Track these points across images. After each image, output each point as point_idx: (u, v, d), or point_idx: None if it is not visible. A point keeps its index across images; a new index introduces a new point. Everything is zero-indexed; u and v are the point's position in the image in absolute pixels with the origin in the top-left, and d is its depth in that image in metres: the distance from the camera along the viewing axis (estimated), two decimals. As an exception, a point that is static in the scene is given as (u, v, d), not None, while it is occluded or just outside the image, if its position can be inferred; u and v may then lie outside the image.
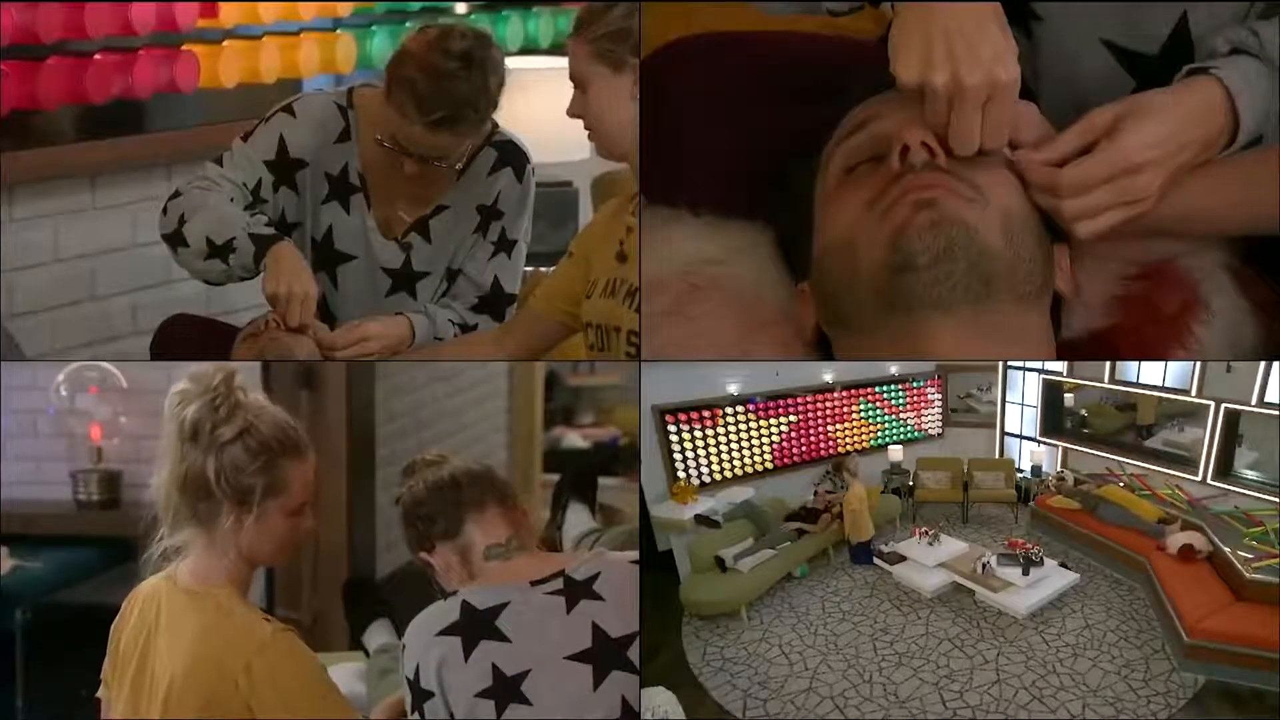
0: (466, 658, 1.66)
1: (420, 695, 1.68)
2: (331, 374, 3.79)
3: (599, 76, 2.28)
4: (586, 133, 2.34)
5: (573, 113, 2.34)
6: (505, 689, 1.65)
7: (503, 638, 1.68)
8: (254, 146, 2.68)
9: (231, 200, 2.62)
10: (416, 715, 1.68)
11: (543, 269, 3.15)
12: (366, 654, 2.55)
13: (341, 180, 2.72)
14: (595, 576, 1.76)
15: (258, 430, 1.69)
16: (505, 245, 2.78)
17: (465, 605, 1.70)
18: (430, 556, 1.88)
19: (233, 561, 1.70)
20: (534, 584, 1.74)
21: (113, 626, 1.76)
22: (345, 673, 2.26)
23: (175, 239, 2.59)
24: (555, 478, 2.97)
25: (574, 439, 6.48)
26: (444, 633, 1.68)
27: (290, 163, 2.68)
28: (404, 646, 1.72)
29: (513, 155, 2.76)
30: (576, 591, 1.73)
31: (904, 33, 1.69)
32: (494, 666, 1.66)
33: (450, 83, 2.52)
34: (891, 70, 1.70)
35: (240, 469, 1.67)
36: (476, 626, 1.68)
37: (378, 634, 2.58)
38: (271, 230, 2.61)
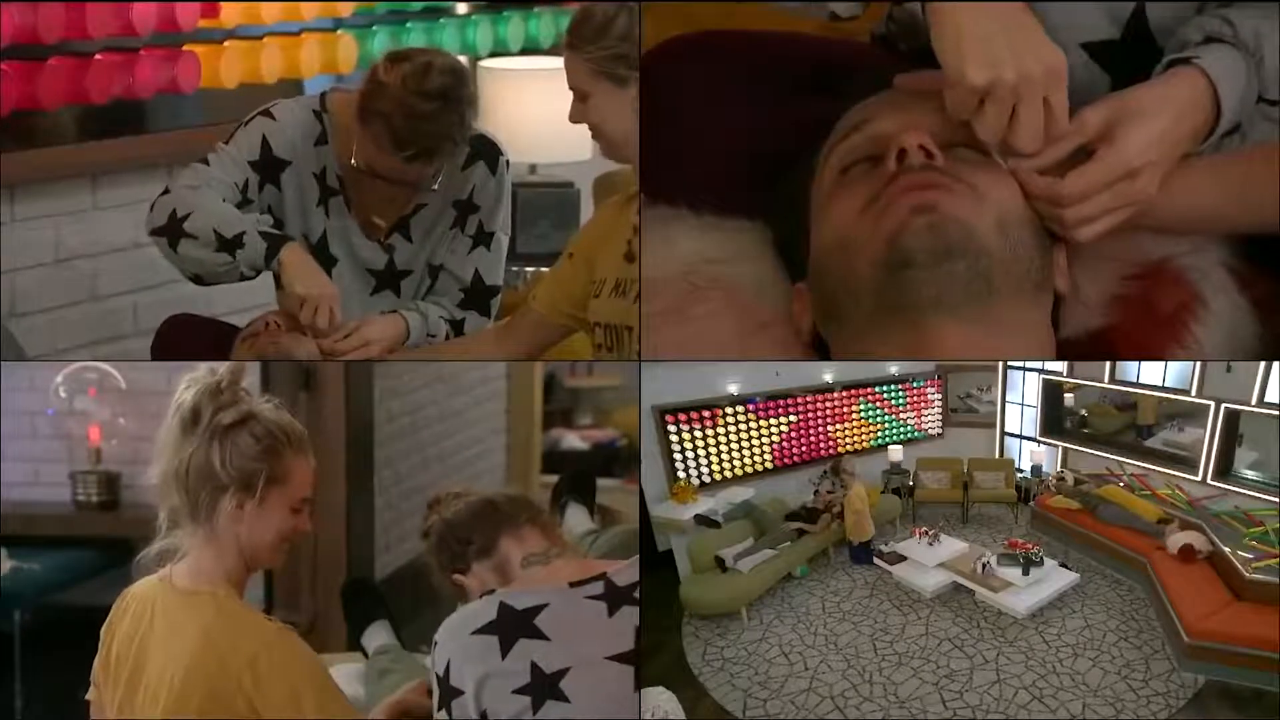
0: (504, 655, 1.65)
1: (449, 693, 1.66)
2: (330, 375, 3.79)
3: (601, 91, 2.29)
4: (591, 134, 2.35)
5: (575, 120, 2.34)
6: (543, 686, 1.64)
7: (542, 636, 1.66)
8: (237, 148, 2.68)
9: (224, 200, 2.62)
10: (443, 713, 1.68)
11: (544, 269, 3.14)
12: (365, 655, 2.55)
13: (321, 183, 2.72)
14: (637, 584, 1.75)
15: (263, 418, 1.72)
16: (484, 238, 2.78)
17: (503, 606, 1.69)
18: (464, 578, 1.89)
19: (232, 560, 1.71)
20: (573, 585, 1.73)
21: (104, 627, 1.77)
22: (344, 674, 2.26)
23: (172, 232, 2.59)
24: (554, 479, 2.98)
25: (572, 440, 6.48)
26: (480, 631, 1.67)
27: (275, 162, 2.69)
28: (435, 644, 1.71)
29: (486, 149, 2.76)
30: (620, 596, 1.72)
31: (958, 34, 1.67)
32: (533, 664, 1.65)
33: (427, 123, 2.53)
34: (948, 69, 1.67)
35: (245, 454, 1.70)
36: (515, 626, 1.67)
37: (376, 635, 2.58)
38: (278, 230, 2.63)
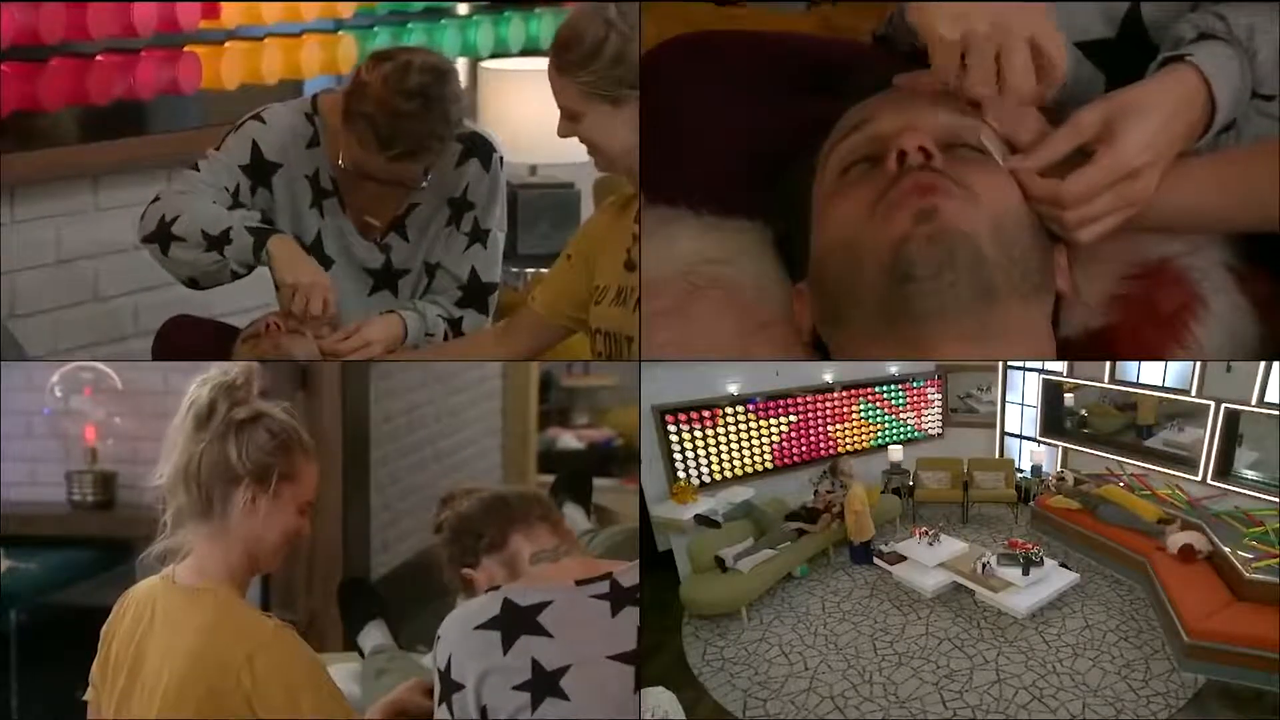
0: (506, 651, 1.66)
1: (450, 687, 1.67)
2: (326, 375, 3.80)
3: (594, 111, 2.26)
4: (586, 150, 2.32)
5: (564, 135, 2.31)
6: (543, 683, 1.65)
7: (544, 633, 1.67)
8: (228, 152, 2.69)
9: (214, 202, 2.63)
10: (444, 707, 1.68)
11: (544, 270, 3.14)
12: (361, 654, 2.55)
13: (315, 185, 2.73)
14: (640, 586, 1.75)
15: (276, 415, 1.74)
16: (479, 235, 2.79)
17: (507, 602, 1.69)
18: (474, 572, 1.90)
19: (236, 558, 1.72)
20: (579, 584, 1.73)
21: (104, 628, 1.77)
22: (340, 674, 2.26)
23: (162, 237, 2.61)
24: (550, 479, 2.97)
25: (569, 440, 6.48)
26: (483, 627, 1.67)
27: (266, 165, 2.70)
28: (438, 638, 1.71)
29: (479, 146, 2.76)
30: (624, 596, 1.72)
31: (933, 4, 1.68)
32: (534, 661, 1.65)
33: (409, 122, 2.52)
34: (925, 37, 1.69)
35: (261, 447, 1.71)
36: (517, 622, 1.68)
37: (372, 634, 2.58)
38: (266, 225, 2.64)
